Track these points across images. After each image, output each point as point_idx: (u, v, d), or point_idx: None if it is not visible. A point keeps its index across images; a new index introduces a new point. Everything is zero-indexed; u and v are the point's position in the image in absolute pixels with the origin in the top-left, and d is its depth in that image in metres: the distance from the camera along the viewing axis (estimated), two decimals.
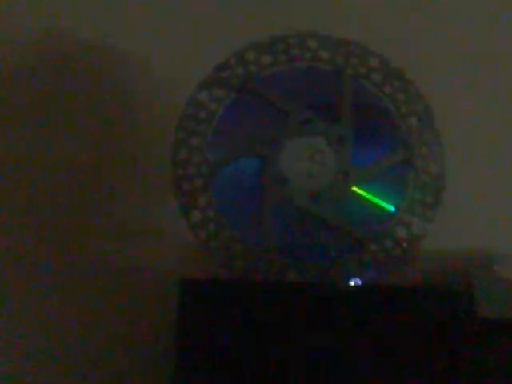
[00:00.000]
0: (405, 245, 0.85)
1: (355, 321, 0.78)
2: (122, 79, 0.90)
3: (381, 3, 0.91)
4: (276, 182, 0.85)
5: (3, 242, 0.92)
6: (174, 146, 0.84)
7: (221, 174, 0.85)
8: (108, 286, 0.92)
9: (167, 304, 0.84)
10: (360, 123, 0.86)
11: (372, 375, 0.77)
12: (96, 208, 0.93)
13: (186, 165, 0.84)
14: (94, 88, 0.91)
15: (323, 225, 0.85)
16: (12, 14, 0.93)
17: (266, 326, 0.78)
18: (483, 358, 0.79)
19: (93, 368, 0.91)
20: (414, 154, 0.86)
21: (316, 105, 0.86)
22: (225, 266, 0.83)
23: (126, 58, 0.90)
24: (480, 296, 0.83)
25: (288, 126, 0.85)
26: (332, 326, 0.78)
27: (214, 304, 0.78)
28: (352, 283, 0.84)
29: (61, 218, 0.92)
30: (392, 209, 0.86)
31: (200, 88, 0.85)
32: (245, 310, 0.78)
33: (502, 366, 0.80)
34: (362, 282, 0.84)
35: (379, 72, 0.87)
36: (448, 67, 0.92)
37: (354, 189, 0.86)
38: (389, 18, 0.91)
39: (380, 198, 0.86)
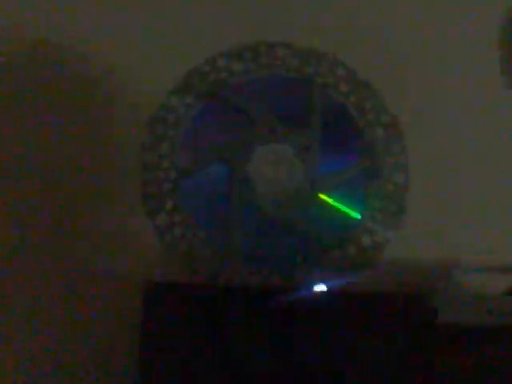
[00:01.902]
0: (368, 252, 0.87)
1: (317, 326, 0.79)
2: (98, 83, 0.91)
3: (348, 14, 0.93)
4: (243, 187, 0.86)
5: None
6: (142, 149, 0.85)
7: (189, 179, 0.86)
8: (74, 287, 0.92)
9: (132, 305, 0.85)
10: (327, 132, 0.88)
11: (333, 379, 0.79)
12: (66, 210, 0.93)
13: (154, 169, 0.85)
14: (69, 92, 0.92)
15: (289, 231, 0.86)
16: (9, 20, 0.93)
17: (228, 330, 0.79)
18: (442, 363, 0.81)
19: (58, 367, 0.91)
20: (379, 163, 0.88)
21: (284, 113, 0.88)
22: (190, 270, 0.84)
23: (101, 62, 0.91)
24: (439, 303, 0.84)
25: (256, 133, 0.87)
26: (294, 331, 0.79)
27: (177, 307, 0.79)
28: (316, 289, 0.85)
29: (34, 219, 0.92)
30: (357, 216, 0.87)
31: (171, 93, 0.86)
32: (207, 314, 0.79)
33: (460, 370, 0.82)
34: (326, 288, 0.85)
35: (347, 82, 0.88)
36: (415, 79, 0.93)
37: (321, 196, 0.87)
38: (357, 29, 0.93)
39: (345, 206, 0.88)
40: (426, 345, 0.80)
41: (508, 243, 0.96)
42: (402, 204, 0.88)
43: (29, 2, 0.92)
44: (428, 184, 0.94)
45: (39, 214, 0.92)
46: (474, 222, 0.96)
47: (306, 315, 0.80)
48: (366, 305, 0.80)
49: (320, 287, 0.85)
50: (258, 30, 0.90)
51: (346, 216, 0.87)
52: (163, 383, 0.78)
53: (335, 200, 0.88)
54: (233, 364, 0.78)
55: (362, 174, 0.88)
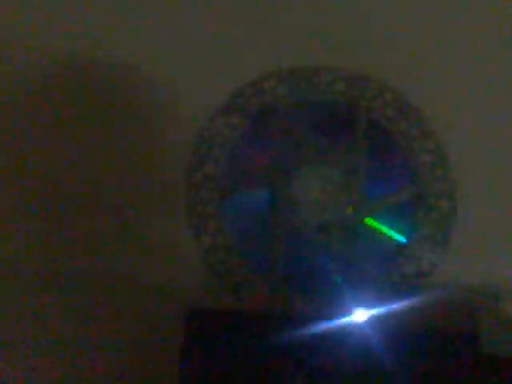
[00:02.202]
0: (412, 280, 0.85)
1: (358, 354, 0.78)
2: (145, 102, 0.92)
3: (395, 35, 0.92)
4: (286, 211, 0.85)
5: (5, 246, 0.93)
6: (188, 170, 0.85)
7: (232, 201, 0.86)
8: (117, 303, 0.92)
9: (172, 327, 0.84)
10: (373, 157, 0.87)
11: None
12: (114, 225, 0.93)
13: (199, 189, 0.85)
14: (114, 107, 0.93)
15: (331, 256, 0.86)
16: (38, 35, 0.95)
17: (269, 357, 0.78)
18: None
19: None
20: (424, 190, 0.86)
21: (330, 136, 0.87)
22: (232, 293, 0.84)
23: (149, 81, 0.91)
24: (485, 334, 0.82)
25: (301, 155, 0.86)
26: (334, 358, 0.78)
27: (219, 334, 0.79)
28: (357, 317, 0.84)
29: (83, 231, 0.92)
30: (403, 240, 0.86)
31: (217, 114, 0.87)
32: (249, 341, 0.78)
33: None
34: (368, 316, 0.84)
35: (393, 107, 0.88)
36: (459, 103, 0.92)
37: (367, 220, 0.86)
38: (405, 52, 0.92)
39: (391, 231, 0.87)
40: (469, 377, 0.78)
41: None
42: (447, 232, 0.86)
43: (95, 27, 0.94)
44: (474, 210, 0.92)
45: (87, 226, 0.93)
46: None
47: (345, 342, 0.79)
48: (408, 339, 0.79)
49: (361, 315, 0.84)
50: (306, 53, 0.90)
51: (392, 240, 0.86)
52: None
53: (381, 225, 0.87)
54: None
55: (408, 201, 0.87)
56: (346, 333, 0.80)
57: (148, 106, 0.92)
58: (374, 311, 0.84)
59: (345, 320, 0.83)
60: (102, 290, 0.91)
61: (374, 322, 0.83)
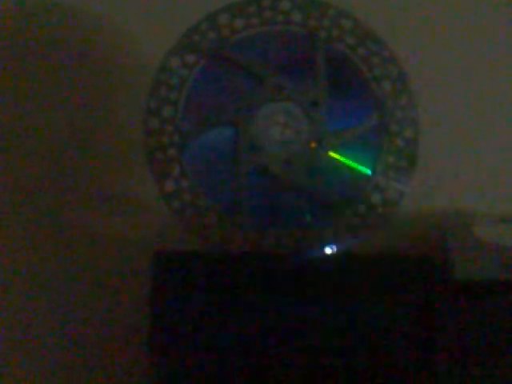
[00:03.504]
0: (380, 210, 0.85)
1: (328, 288, 0.79)
2: (97, 45, 0.88)
3: None
4: (250, 149, 0.84)
5: None
6: (145, 115, 0.82)
7: (194, 143, 0.84)
8: (83, 253, 0.91)
9: (140, 272, 0.84)
10: (334, 87, 0.85)
11: (347, 342, 0.78)
12: (72, 177, 0.92)
13: (158, 134, 0.83)
14: (68, 55, 0.89)
15: (298, 191, 0.85)
16: None
17: (241, 296, 0.78)
18: (460, 320, 0.80)
19: (61, 335, 0.91)
20: (388, 118, 0.85)
21: (289, 69, 0.85)
22: (200, 236, 0.83)
23: (98, 23, 0.88)
24: (456, 259, 0.83)
25: (261, 91, 0.84)
26: (307, 294, 0.79)
27: (188, 275, 0.78)
28: (327, 251, 0.84)
29: (39, 186, 0.91)
30: (369, 172, 0.85)
31: (171, 54, 0.83)
32: (218, 281, 0.78)
33: (478, 328, 0.81)
34: (337, 250, 0.84)
35: (353, 34, 0.85)
36: (423, 31, 0.91)
37: (331, 154, 0.85)
38: None
39: (356, 163, 0.86)
40: (439, 302, 0.79)
41: None
42: (412, 159, 0.85)
43: None
44: (439, 136, 0.92)
45: (42, 183, 0.91)
46: (486, 172, 0.95)
47: (317, 277, 0.79)
48: (377, 265, 0.79)
49: (331, 249, 0.84)
50: None
51: (358, 173, 0.86)
52: (174, 354, 0.77)
53: (345, 157, 0.85)
54: (245, 331, 0.78)
55: (372, 130, 0.86)
56: (316, 267, 0.80)
57: (101, 49, 0.89)
58: (344, 244, 0.84)
59: (315, 255, 0.83)
60: (68, 244, 0.90)
61: (344, 254, 0.83)
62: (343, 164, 0.85)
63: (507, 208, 0.93)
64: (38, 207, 0.91)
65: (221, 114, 0.84)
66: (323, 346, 0.78)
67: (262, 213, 0.84)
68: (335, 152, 0.85)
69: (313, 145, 0.84)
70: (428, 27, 0.91)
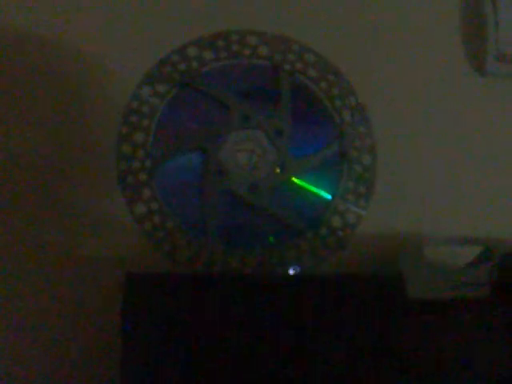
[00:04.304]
0: (340, 233, 0.90)
1: (292, 308, 0.82)
2: (72, 74, 0.91)
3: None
4: (217, 173, 0.88)
5: None
6: (117, 141, 0.86)
7: (164, 168, 0.87)
8: (56, 274, 0.93)
9: (112, 293, 0.86)
10: (297, 117, 0.90)
11: (310, 359, 0.82)
12: (47, 199, 0.93)
13: (129, 159, 0.86)
14: (44, 82, 0.92)
15: (263, 213, 0.89)
16: None
17: (209, 317, 0.81)
18: (413, 336, 0.85)
19: (39, 352, 0.92)
20: (347, 146, 0.90)
21: (255, 99, 0.90)
22: (169, 256, 0.86)
23: (75, 53, 0.90)
24: (409, 278, 0.88)
25: (228, 120, 0.88)
26: (271, 313, 0.82)
27: (157, 296, 0.81)
28: (290, 271, 0.88)
29: (14, 206, 0.92)
30: (329, 197, 0.90)
31: (143, 83, 0.87)
32: (188, 302, 0.81)
33: (430, 343, 0.86)
34: (300, 270, 0.88)
35: (315, 68, 0.90)
36: (381, 63, 0.96)
37: (294, 179, 0.90)
38: (325, 16, 0.94)
39: (317, 188, 0.91)
40: (394, 319, 0.83)
41: (472, 217, 1.00)
42: (370, 185, 0.91)
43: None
44: (395, 164, 0.97)
45: (18, 204, 0.93)
46: (438, 197, 1.00)
47: (281, 297, 0.83)
48: (339, 285, 0.83)
49: (295, 269, 0.88)
50: (227, 19, 0.91)
51: (318, 197, 0.90)
52: (145, 366, 0.80)
53: (307, 182, 0.90)
54: (213, 350, 0.81)
55: (333, 157, 0.91)
56: (279, 288, 0.83)
57: (76, 78, 0.92)
58: (305, 265, 0.88)
59: (278, 276, 0.87)
60: (39, 263, 0.92)
61: (305, 275, 0.88)
62: (305, 189, 0.90)
63: (456, 231, 0.98)
64: (13, 227, 0.93)
65: (190, 141, 0.88)
66: (285, 365, 0.82)
67: (228, 234, 0.89)
68: (298, 177, 0.90)
69: (277, 170, 0.89)
70: (386, 59, 0.96)
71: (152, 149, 0.87)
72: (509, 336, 0.88)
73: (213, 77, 0.89)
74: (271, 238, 0.89)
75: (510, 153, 1.02)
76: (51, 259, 0.93)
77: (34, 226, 0.93)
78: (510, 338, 0.87)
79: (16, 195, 0.93)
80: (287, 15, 0.93)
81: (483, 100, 1.02)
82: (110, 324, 0.83)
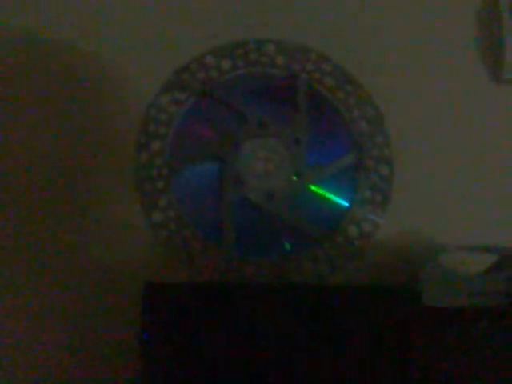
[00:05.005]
0: (356, 241, 0.90)
1: (311, 317, 0.83)
2: (91, 80, 0.91)
3: (334, 8, 0.95)
4: (234, 182, 0.88)
5: None
6: (135, 149, 0.86)
7: (181, 176, 0.88)
8: (72, 282, 0.93)
9: (129, 301, 0.87)
10: (314, 126, 0.90)
11: (326, 370, 0.82)
12: (64, 207, 0.94)
13: (147, 167, 0.87)
14: (62, 90, 0.92)
15: (279, 222, 0.89)
16: None
17: (227, 327, 0.82)
18: (432, 346, 0.85)
19: (50, 359, 0.93)
20: (365, 156, 0.90)
21: (272, 108, 0.90)
22: (185, 264, 0.87)
23: (92, 59, 0.91)
24: (425, 287, 0.88)
25: (246, 128, 0.89)
26: (289, 322, 0.82)
27: (177, 306, 0.81)
28: (307, 280, 0.88)
29: (32, 214, 0.93)
30: (346, 204, 0.90)
31: (161, 91, 0.88)
32: (208, 312, 0.81)
33: (449, 353, 0.86)
34: (315, 279, 0.88)
35: (332, 77, 0.91)
36: (397, 72, 0.96)
37: (311, 187, 0.90)
38: (345, 26, 0.94)
39: (334, 196, 0.91)
40: (413, 329, 0.83)
41: (489, 225, 1.00)
42: (387, 194, 0.91)
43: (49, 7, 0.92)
44: (412, 173, 0.97)
45: (36, 209, 0.93)
46: (454, 205, 1.00)
47: (297, 306, 0.83)
48: (356, 296, 0.83)
49: (310, 278, 0.88)
50: (246, 28, 0.91)
51: (335, 206, 0.90)
52: (164, 379, 0.80)
53: (324, 191, 0.90)
54: (234, 361, 0.81)
55: (350, 166, 0.91)
56: (297, 297, 0.84)
57: (94, 85, 0.92)
58: (322, 274, 0.88)
59: (296, 285, 0.88)
60: (54, 270, 0.92)
61: (322, 284, 0.88)
62: (322, 197, 0.90)
63: (473, 239, 0.98)
64: (29, 233, 0.94)
65: (207, 149, 0.88)
66: (300, 374, 0.82)
67: (245, 242, 0.89)
68: (315, 186, 0.90)
69: (294, 178, 0.89)
70: (404, 69, 0.96)
71: (170, 157, 0.88)
72: None
73: (230, 85, 0.89)
74: (287, 246, 0.89)
75: None
76: (67, 266, 0.93)
77: (50, 233, 0.93)
78: None
79: (32, 202, 0.93)
80: (306, 24, 0.93)
81: (501, 108, 1.01)
82: (127, 333, 0.83)
